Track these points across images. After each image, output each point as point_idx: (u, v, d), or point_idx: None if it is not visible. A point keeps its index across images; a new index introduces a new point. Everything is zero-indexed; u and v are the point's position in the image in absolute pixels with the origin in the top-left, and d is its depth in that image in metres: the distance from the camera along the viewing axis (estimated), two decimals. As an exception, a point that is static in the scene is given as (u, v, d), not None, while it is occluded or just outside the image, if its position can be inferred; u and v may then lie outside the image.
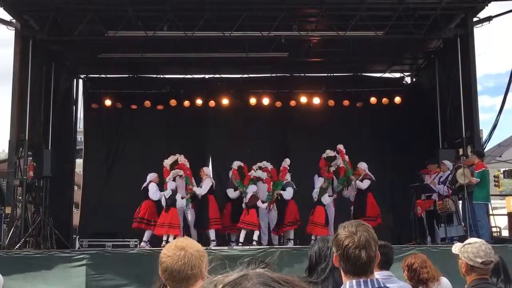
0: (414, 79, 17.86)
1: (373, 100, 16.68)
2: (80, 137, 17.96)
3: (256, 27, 13.61)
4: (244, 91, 16.96)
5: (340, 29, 13.74)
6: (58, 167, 14.05)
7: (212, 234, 12.87)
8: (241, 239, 12.59)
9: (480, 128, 14.02)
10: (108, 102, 16.63)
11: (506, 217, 16.47)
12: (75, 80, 17.07)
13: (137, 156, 15.85)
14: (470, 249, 3.65)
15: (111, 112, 16.83)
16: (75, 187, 19.56)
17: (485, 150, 14.42)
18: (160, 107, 16.72)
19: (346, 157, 13.50)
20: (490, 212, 13.08)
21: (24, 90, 13.17)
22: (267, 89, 17.03)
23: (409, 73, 18.00)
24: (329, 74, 17.41)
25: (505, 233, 15.47)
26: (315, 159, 13.63)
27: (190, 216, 13.22)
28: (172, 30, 13.72)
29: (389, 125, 16.48)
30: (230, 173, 13.58)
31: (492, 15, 13.76)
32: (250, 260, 3.13)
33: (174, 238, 12.02)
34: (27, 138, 13.15)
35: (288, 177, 13.36)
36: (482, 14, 13.70)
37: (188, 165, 13.13)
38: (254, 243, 12.32)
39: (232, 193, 13.35)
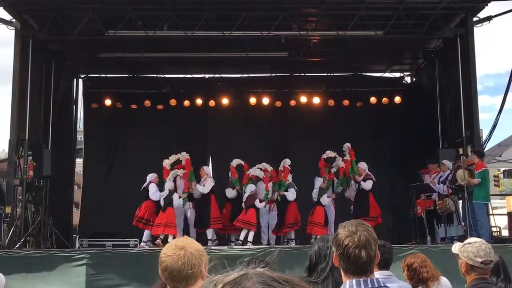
0: (414, 79, 17.86)
1: (373, 99, 16.69)
2: (80, 136, 17.97)
3: (256, 27, 13.61)
4: (244, 90, 16.97)
5: (340, 29, 13.75)
6: (58, 167, 14.06)
7: (209, 233, 12.86)
8: (241, 238, 12.59)
9: (480, 127, 14.04)
10: (108, 102, 16.64)
11: (506, 217, 16.47)
12: (75, 79, 17.08)
13: (137, 156, 15.86)
14: (470, 249, 3.65)
15: (111, 111, 16.83)
16: (75, 187, 19.58)
17: (485, 149, 14.42)
18: (160, 106, 16.72)
19: (348, 157, 13.48)
20: (490, 212, 13.08)
21: (24, 89, 13.18)
22: (267, 89, 17.04)
23: (409, 73, 18.00)
24: (329, 74, 17.41)
25: (505, 232, 15.47)
26: (315, 159, 13.62)
27: (190, 215, 13.24)
28: (172, 30, 13.72)
29: (389, 125, 16.49)
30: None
31: (492, 14, 13.78)
32: (250, 259, 3.13)
33: (167, 237, 12.10)
34: (27, 137, 13.16)
35: (289, 178, 13.37)
36: (482, 14, 13.73)
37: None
38: (249, 244, 12.31)
39: (230, 193, 13.36)
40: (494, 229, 13.71)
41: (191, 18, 13.57)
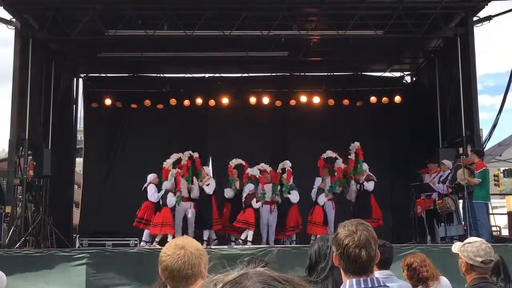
0: (414, 78, 17.86)
1: (373, 99, 16.69)
2: (80, 136, 17.97)
3: (256, 26, 13.62)
4: (244, 90, 16.97)
5: (340, 28, 13.75)
6: (58, 166, 14.06)
7: (206, 234, 12.85)
8: (242, 237, 12.59)
9: (480, 127, 14.04)
10: (108, 101, 16.64)
11: (506, 216, 16.48)
12: (75, 79, 17.08)
13: (137, 155, 15.86)
14: (470, 248, 3.65)
15: (111, 111, 16.83)
16: (75, 186, 19.59)
17: (485, 149, 14.42)
18: (160, 106, 16.72)
19: (353, 156, 13.48)
20: (490, 211, 13.08)
21: (24, 89, 13.18)
22: (267, 88, 17.05)
23: (409, 72, 18.00)
24: (329, 73, 17.41)
25: (505, 232, 15.47)
26: (315, 159, 13.61)
27: (191, 215, 13.22)
28: (172, 29, 13.73)
29: (389, 124, 16.49)
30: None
31: (492, 14, 13.78)
32: (250, 259, 3.12)
33: (166, 237, 12.11)
34: (27, 137, 13.16)
35: (290, 179, 13.35)
36: (482, 14, 13.74)
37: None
38: (249, 243, 12.32)
39: (228, 193, 13.36)
40: (494, 228, 13.71)
41: (191, 17, 13.57)
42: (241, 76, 17.38)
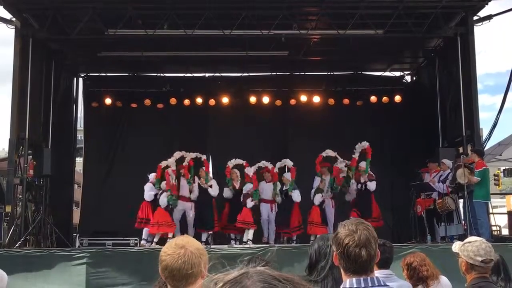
0: (414, 78, 17.86)
1: (373, 98, 16.69)
2: (80, 135, 17.97)
3: (256, 26, 13.61)
4: (244, 89, 16.96)
5: (340, 28, 13.75)
6: (58, 166, 14.06)
7: (205, 236, 12.84)
8: (244, 239, 12.59)
9: (480, 126, 14.04)
10: (108, 101, 16.64)
11: (506, 216, 16.48)
12: (75, 78, 17.08)
13: (137, 155, 15.85)
14: (470, 248, 3.65)
15: (111, 110, 16.83)
16: (75, 186, 19.59)
17: (485, 148, 14.43)
18: (160, 105, 16.72)
19: (357, 155, 13.48)
20: (490, 211, 13.08)
21: (24, 88, 13.18)
22: (267, 88, 17.04)
23: (409, 72, 17.99)
24: (329, 73, 17.40)
25: (505, 231, 15.48)
26: (315, 158, 13.61)
27: (191, 215, 13.22)
28: (172, 29, 13.72)
29: (389, 124, 16.49)
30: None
31: (492, 13, 13.77)
32: (250, 258, 3.12)
33: (164, 236, 12.13)
34: (27, 136, 13.16)
35: (294, 176, 13.33)
36: (482, 13, 13.73)
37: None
38: (250, 242, 12.32)
39: (225, 192, 13.36)
40: (494, 228, 13.71)
41: (191, 17, 13.57)
42: (241, 75, 17.38)
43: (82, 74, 17.28)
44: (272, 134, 16.54)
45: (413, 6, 13.61)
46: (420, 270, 4.93)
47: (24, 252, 11.00)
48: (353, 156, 13.47)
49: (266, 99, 16.68)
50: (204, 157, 13.46)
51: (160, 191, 12.67)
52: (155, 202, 12.73)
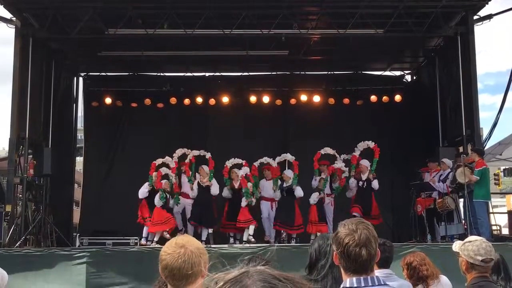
0: (414, 77, 17.85)
1: (373, 98, 16.68)
2: (80, 135, 17.97)
3: (256, 25, 13.61)
4: (244, 89, 16.96)
5: (340, 27, 13.74)
6: (58, 165, 14.06)
7: (205, 234, 12.84)
8: (244, 238, 12.59)
9: (481, 126, 14.03)
10: (108, 100, 16.64)
11: (506, 215, 16.47)
12: (75, 78, 17.07)
13: (137, 154, 15.83)
14: (470, 247, 3.66)
15: (111, 110, 16.83)
16: (75, 185, 19.59)
17: (485, 148, 14.42)
18: (160, 105, 16.71)
19: (358, 153, 13.48)
20: (490, 210, 13.08)
21: (24, 88, 13.17)
22: (267, 87, 17.04)
23: (409, 71, 17.99)
24: (329, 72, 17.40)
25: (505, 231, 15.47)
26: (315, 157, 13.62)
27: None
28: (172, 28, 13.71)
29: (389, 123, 16.48)
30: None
31: (493, 13, 13.77)
32: (250, 257, 3.13)
33: (163, 236, 12.13)
34: (27, 136, 13.16)
35: (290, 174, 13.33)
36: (482, 12, 13.72)
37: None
38: (251, 237, 12.34)
39: (224, 192, 13.36)
40: (494, 227, 13.70)
41: (191, 16, 13.56)
42: (241, 75, 17.38)
43: (82, 74, 17.28)
44: (272, 134, 16.54)
45: (414, 6, 13.61)
46: (420, 270, 4.93)
47: (24, 252, 11.00)
48: (353, 153, 13.47)
49: (266, 99, 16.67)
50: (208, 154, 13.45)
51: (152, 189, 12.68)
52: (151, 199, 12.73)
